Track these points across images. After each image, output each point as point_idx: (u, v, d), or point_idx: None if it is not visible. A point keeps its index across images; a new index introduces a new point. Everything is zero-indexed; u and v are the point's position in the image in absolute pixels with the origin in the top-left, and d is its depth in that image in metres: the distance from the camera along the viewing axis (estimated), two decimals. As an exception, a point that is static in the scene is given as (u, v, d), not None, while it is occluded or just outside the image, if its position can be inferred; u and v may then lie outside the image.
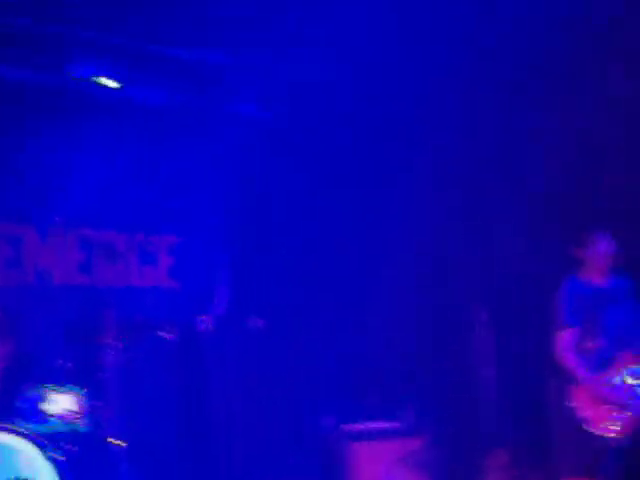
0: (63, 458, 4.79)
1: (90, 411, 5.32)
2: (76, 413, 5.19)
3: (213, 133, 7.17)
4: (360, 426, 6.58)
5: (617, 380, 5.29)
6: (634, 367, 5.31)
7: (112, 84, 6.65)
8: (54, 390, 5.13)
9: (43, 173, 6.75)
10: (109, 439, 5.36)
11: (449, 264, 6.90)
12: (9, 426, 4.99)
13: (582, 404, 5.25)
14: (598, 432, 5.18)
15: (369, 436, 6.50)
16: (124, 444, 5.37)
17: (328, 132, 7.20)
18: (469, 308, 6.55)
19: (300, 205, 7.22)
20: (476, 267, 6.78)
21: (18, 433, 4.92)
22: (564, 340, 5.39)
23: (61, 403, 5.13)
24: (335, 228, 7.25)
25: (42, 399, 5.13)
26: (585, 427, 5.20)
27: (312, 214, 7.23)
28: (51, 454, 4.80)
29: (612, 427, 5.16)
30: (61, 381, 5.23)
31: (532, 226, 6.43)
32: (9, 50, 6.44)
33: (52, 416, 5.12)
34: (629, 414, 5.19)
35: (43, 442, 4.91)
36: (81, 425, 5.24)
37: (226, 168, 7.28)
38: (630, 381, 5.29)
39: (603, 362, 5.32)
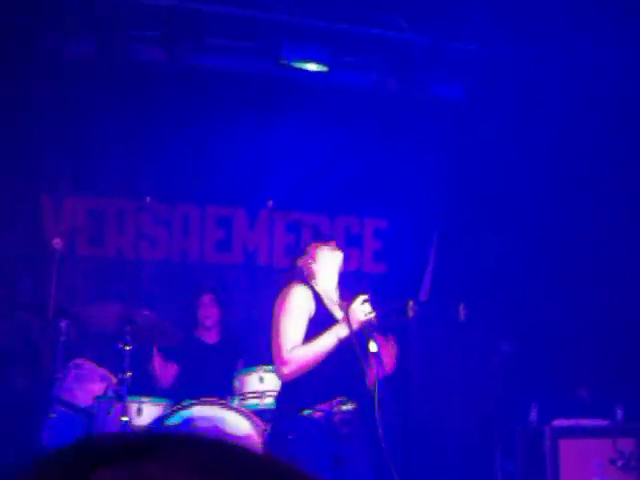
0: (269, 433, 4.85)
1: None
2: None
3: (416, 115, 7.05)
4: (568, 422, 6.26)
5: None
6: None
7: (320, 68, 6.69)
8: (266, 370, 5.21)
9: (254, 157, 6.90)
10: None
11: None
12: (226, 402, 5.14)
13: None
14: None
15: (578, 433, 6.18)
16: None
17: (539, 111, 6.87)
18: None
19: (510, 190, 6.95)
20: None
21: (236, 410, 5.06)
22: None
23: (272, 381, 5.20)
24: (548, 212, 6.91)
25: (258, 378, 5.23)
26: None
27: (521, 200, 6.94)
28: (264, 430, 4.89)
29: None
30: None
31: None
32: (221, 40, 6.63)
33: (265, 394, 5.20)
34: None
35: (256, 419, 5.02)
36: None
37: (433, 150, 7.13)
38: None
39: None
